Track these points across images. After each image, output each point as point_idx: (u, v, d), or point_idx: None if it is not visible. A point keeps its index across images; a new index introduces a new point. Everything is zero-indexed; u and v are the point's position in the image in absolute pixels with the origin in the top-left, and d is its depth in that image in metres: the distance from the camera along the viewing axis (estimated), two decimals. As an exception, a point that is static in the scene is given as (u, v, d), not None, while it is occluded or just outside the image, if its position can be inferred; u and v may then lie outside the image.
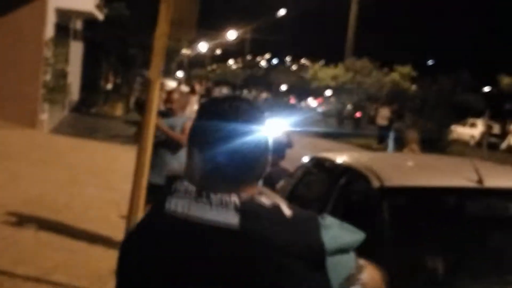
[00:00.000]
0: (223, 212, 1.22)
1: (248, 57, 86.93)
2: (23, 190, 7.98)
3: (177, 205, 1.27)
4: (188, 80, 46.89)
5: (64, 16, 15.23)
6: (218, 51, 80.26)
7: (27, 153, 10.56)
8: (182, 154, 6.53)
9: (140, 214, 4.82)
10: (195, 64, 73.77)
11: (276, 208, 1.23)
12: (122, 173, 10.27)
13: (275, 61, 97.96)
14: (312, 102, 54.04)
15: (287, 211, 1.24)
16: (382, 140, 20.00)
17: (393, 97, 22.05)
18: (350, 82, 23.65)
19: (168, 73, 34.64)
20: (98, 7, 15.70)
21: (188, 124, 6.54)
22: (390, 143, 16.74)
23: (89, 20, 20.05)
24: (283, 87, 70.22)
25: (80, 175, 9.55)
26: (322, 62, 31.61)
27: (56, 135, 13.92)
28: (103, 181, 9.36)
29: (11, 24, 12.28)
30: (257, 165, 1.30)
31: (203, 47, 60.38)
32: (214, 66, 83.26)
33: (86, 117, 20.10)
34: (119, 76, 24.65)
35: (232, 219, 1.21)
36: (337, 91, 25.59)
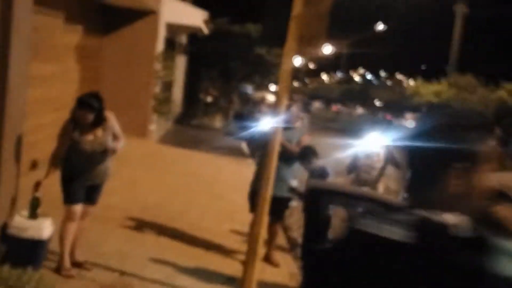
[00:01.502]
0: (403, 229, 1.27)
1: (342, 72, 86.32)
2: (141, 196, 8.37)
3: (369, 224, 1.33)
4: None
5: (172, 31, 15.86)
6: (312, 65, 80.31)
7: (142, 161, 11.07)
8: (296, 166, 6.65)
9: (263, 227, 4.96)
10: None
11: (454, 227, 1.26)
12: (229, 183, 10.55)
13: (369, 76, 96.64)
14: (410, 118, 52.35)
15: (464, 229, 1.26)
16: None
17: (500, 116, 21.12)
18: (454, 99, 22.95)
19: (264, 86, 35.09)
20: (206, 22, 16.24)
21: (306, 138, 6.62)
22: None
23: (192, 34, 20.82)
24: (378, 103, 69.09)
25: (191, 184, 9.89)
26: (418, 77, 30.83)
27: (164, 145, 14.48)
28: (213, 190, 9.64)
29: (126, 38, 12.94)
30: None
31: (297, 61, 60.71)
32: (308, 80, 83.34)
33: (188, 128, 20.74)
34: (219, 89, 25.26)
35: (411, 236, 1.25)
36: (439, 107, 24.84)
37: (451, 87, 23.47)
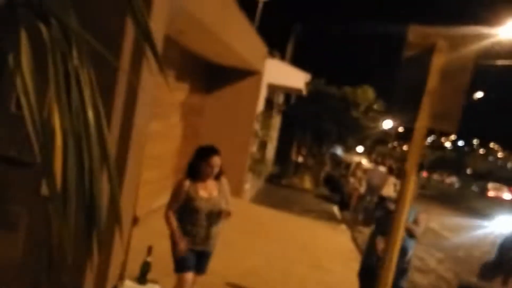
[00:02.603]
0: None
1: (433, 137, 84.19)
2: (239, 261, 8.14)
3: None
4: (370, 157, 46.41)
5: (272, 90, 15.96)
6: (401, 129, 78.91)
7: (237, 222, 10.88)
8: (410, 244, 6.14)
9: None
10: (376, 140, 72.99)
11: None
12: (326, 251, 10.17)
13: (460, 142, 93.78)
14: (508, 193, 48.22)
15: None
16: None
17: None
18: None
19: (352, 148, 34.63)
20: (306, 84, 16.27)
21: (423, 217, 6.10)
22: None
23: (287, 93, 20.96)
24: (469, 171, 66.53)
25: (288, 250, 9.57)
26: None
27: (257, 205, 14.33)
28: (312, 259, 9.28)
29: (228, 97, 13.08)
30: None
31: (387, 124, 59.78)
32: (395, 144, 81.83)
33: (278, 187, 20.59)
34: (310, 149, 25.15)
35: None
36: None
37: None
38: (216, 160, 4.80)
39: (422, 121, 4.50)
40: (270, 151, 20.66)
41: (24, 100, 2.21)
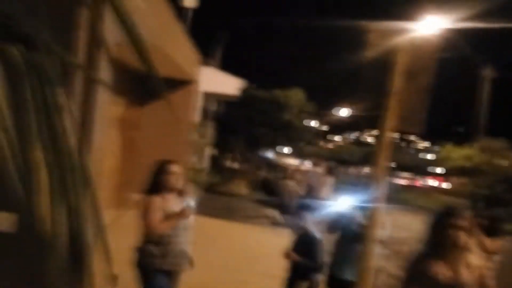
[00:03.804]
0: None
1: (356, 134, 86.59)
2: (189, 276, 7.84)
3: None
4: (300, 157, 46.96)
5: (207, 99, 15.76)
6: (325, 127, 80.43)
7: (185, 236, 10.62)
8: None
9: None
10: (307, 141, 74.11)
11: None
12: (277, 258, 10.00)
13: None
14: (431, 181, 53.36)
15: None
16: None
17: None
18: (486, 163, 22.52)
19: (281, 151, 34.90)
20: (240, 90, 16.17)
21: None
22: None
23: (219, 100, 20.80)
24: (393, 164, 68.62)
25: (239, 260, 9.40)
26: (448, 141, 30.46)
27: (199, 216, 14.03)
28: (263, 267, 9.13)
29: (164, 108, 12.75)
30: None
31: (313, 123, 60.64)
32: (322, 143, 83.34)
33: (217, 196, 20.35)
34: (244, 155, 25.09)
35: None
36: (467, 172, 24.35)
37: (483, 152, 23.08)
38: (176, 168, 4.59)
39: (389, 123, 4.46)
40: (206, 160, 20.43)
41: (4, 137, 1.92)
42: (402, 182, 52.00)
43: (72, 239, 2.22)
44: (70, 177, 2.15)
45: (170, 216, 4.41)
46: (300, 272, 5.90)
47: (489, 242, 5.74)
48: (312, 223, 6.09)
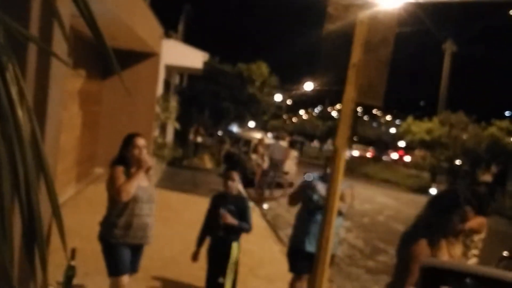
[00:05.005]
0: None
1: (319, 108, 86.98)
2: (158, 251, 7.86)
3: None
4: (264, 130, 47.08)
5: (169, 72, 15.58)
6: (290, 102, 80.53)
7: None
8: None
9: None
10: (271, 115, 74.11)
11: None
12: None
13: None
14: (393, 155, 54.86)
15: None
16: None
17: (493, 153, 21.22)
18: (446, 136, 22.96)
19: (245, 124, 34.86)
20: (205, 63, 16.01)
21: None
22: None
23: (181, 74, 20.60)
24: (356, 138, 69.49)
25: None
26: (392, 112, 30.90)
27: (163, 190, 13.98)
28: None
29: (126, 81, 12.56)
30: None
31: (278, 97, 60.67)
32: (286, 117, 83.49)
33: (181, 170, 20.27)
34: (209, 129, 25.00)
35: None
36: (428, 145, 24.80)
37: (443, 125, 23.51)
38: (141, 141, 4.54)
39: (349, 95, 4.47)
40: (170, 134, 20.28)
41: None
42: (356, 153, 53.57)
43: (23, 215, 2.16)
44: (19, 152, 2.08)
45: (131, 176, 4.35)
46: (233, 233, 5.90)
47: (478, 220, 5.74)
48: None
